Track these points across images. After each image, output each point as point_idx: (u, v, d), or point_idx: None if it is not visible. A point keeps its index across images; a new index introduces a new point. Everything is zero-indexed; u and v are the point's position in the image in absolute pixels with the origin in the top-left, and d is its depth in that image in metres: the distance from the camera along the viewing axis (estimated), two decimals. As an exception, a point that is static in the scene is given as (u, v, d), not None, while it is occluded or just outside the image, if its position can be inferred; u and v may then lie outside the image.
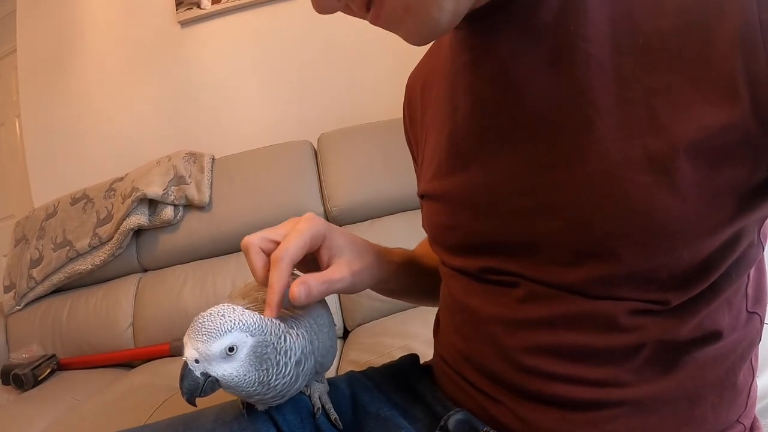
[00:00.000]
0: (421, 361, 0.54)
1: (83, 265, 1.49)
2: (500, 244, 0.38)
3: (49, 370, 1.35)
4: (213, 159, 1.59)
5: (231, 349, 0.35)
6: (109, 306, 1.45)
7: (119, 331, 1.43)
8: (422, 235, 0.52)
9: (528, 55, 0.34)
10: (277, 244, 0.40)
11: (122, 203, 1.47)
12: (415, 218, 0.53)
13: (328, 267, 0.43)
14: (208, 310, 0.36)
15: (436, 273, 0.50)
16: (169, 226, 1.50)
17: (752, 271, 0.36)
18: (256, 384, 0.36)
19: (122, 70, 1.83)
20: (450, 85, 0.41)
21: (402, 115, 0.56)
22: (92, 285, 1.54)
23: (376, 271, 0.46)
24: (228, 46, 1.79)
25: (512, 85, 0.35)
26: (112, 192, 1.54)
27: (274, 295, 0.38)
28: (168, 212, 1.46)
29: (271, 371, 0.37)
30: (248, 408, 0.44)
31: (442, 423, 0.41)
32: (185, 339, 0.35)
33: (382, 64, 1.69)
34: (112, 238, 1.47)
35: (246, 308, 0.37)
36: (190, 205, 1.50)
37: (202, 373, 0.35)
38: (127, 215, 1.44)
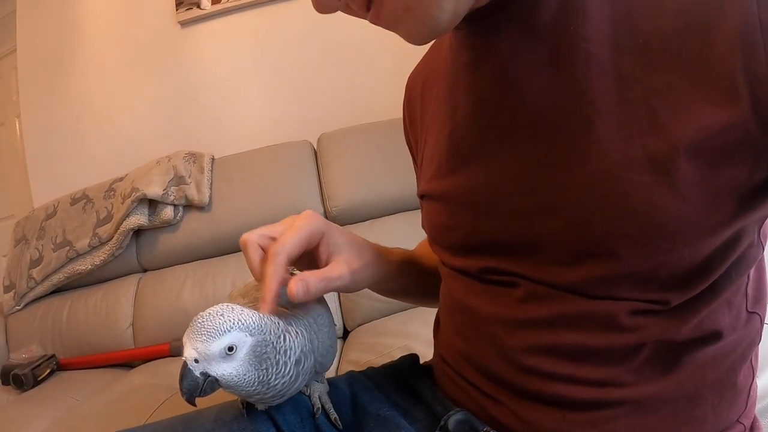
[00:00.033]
0: (421, 361, 0.54)
1: (83, 265, 1.49)
2: (500, 244, 0.38)
3: (48, 371, 1.35)
4: (213, 159, 1.59)
5: (230, 348, 0.35)
6: (108, 306, 1.45)
7: (119, 331, 1.43)
8: (422, 235, 0.52)
9: (528, 55, 0.34)
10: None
11: (122, 203, 1.47)
12: (415, 218, 0.53)
13: (326, 265, 0.43)
14: (207, 310, 0.36)
15: (436, 273, 0.50)
16: (169, 226, 1.50)
17: (752, 271, 0.36)
18: (255, 383, 0.36)
19: (122, 70, 1.83)
20: (450, 85, 0.41)
21: (402, 115, 0.56)
22: (92, 285, 1.54)
23: (375, 269, 0.46)
24: (228, 47, 1.79)
25: (512, 85, 0.35)
26: (112, 192, 1.54)
27: (268, 289, 0.38)
28: (168, 212, 1.46)
29: (270, 370, 0.37)
30: (248, 408, 0.44)
31: (442, 423, 0.41)
32: (184, 339, 0.35)
33: (382, 64, 1.69)
34: (111, 238, 1.47)
35: (245, 308, 0.37)
36: (189, 206, 1.50)
37: (202, 373, 0.35)
38: (126, 215, 1.44)
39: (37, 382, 1.31)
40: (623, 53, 0.30)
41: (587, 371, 0.34)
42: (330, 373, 0.53)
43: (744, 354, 0.37)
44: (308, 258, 0.44)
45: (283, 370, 0.37)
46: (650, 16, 0.29)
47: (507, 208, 0.36)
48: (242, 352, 0.35)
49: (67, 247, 1.49)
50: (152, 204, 1.47)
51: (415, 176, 0.56)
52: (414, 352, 0.55)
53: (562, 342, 0.35)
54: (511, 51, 0.35)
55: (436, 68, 0.46)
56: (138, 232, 1.51)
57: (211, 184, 1.52)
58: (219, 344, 0.34)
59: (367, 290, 0.50)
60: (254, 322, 0.36)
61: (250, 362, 0.36)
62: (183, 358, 0.35)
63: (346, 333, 1.34)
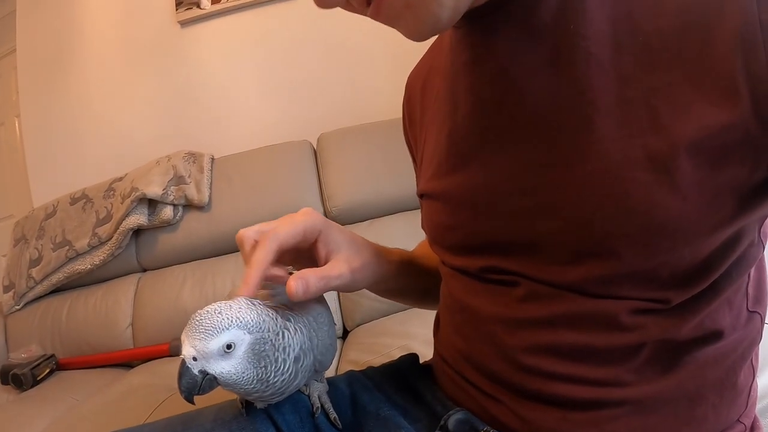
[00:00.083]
0: (421, 361, 0.54)
1: (82, 264, 1.49)
2: (500, 244, 0.38)
3: (48, 370, 1.35)
4: (212, 159, 1.59)
5: (229, 346, 0.35)
6: (108, 306, 1.45)
7: (118, 331, 1.42)
8: (422, 235, 0.52)
9: (527, 54, 0.34)
10: None
11: (122, 203, 1.47)
12: (415, 218, 0.53)
13: (325, 263, 0.42)
14: (206, 308, 0.36)
15: (435, 274, 0.50)
16: (169, 226, 1.50)
17: (753, 271, 0.36)
18: (254, 381, 0.36)
19: (122, 69, 1.83)
20: (450, 84, 0.41)
21: (401, 115, 0.56)
22: (91, 285, 1.54)
23: (374, 268, 0.46)
24: (228, 46, 1.79)
25: (512, 84, 0.35)
26: (112, 192, 1.54)
27: (251, 271, 0.37)
28: (167, 212, 1.46)
29: (269, 368, 0.36)
30: (247, 407, 0.44)
31: (442, 423, 0.41)
32: (183, 336, 0.35)
33: (382, 64, 1.69)
34: (111, 238, 1.47)
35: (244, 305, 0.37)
36: (189, 205, 1.50)
37: (200, 371, 0.35)
38: (126, 215, 1.44)
39: (36, 382, 1.31)
40: (623, 53, 0.30)
41: (588, 371, 0.34)
42: (329, 373, 0.53)
43: (744, 354, 0.37)
44: (306, 256, 0.44)
45: (282, 367, 0.37)
46: (650, 16, 0.29)
47: (507, 207, 0.36)
48: (241, 350, 0.35)
49: (67, 247, 1.49)
50: (152, 204, 1.47)
51: (414, 176, 0.56)
52: (414, 352, 0.55)
53: (562, 341, 0.35)
54: (510, 50, 0.35)
55: (436, 68, 0.46)
56: (137, 232, 1.51)
57: (210, 183, 1.52)
58: (217, 342, 0.34)
59: (366, 290, 0.50)
60: (253, 320, 0.36)
61: (249, 360, 0.36)
62: (181, 356, 0.35)
63: (345, 333, 1.34)
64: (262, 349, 0.36)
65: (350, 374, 0.52)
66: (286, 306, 0.42)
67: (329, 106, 1.74)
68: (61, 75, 1.86)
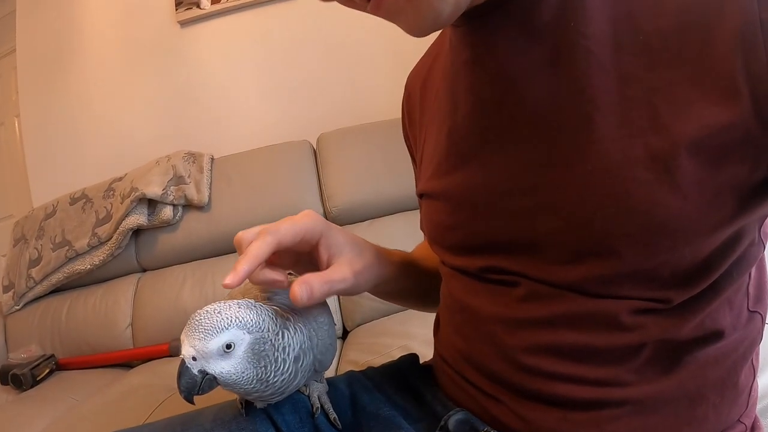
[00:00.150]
0: (421, 362, 0.54)
1: (82, 265, 1.49)
2: (500, 244, 0.37)
3: (47, 370, 1.35)
4: (212, 159, 1.59)
5: (228, 346, 0.35)
6: (108, 306, 1.45)
7: (118, 331, 1.42)
8: (422, 235, 0.52)
9: (527, 53, 0.34)
10: None
11: (121, 203, 1.47)
12: (415, 218, 0.53)
13: (328, 266, 0.42)
14: (205, 308, 0.36)
15: (435, 275, 0.49)
16: (168, 226, 1.49)
17: (753, 270, 0.36)
18: (254, 381, 0.36)
19: (122, 69, 1.83)
20: (450, 83, 0.41)
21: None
22: (91, 285, 1.54)
23: (377, 270, 0.46)
24: (227, 46, 1.79)
25: (512, 84, 0.35)
26: (112, 192, 1.54)
27: (243, 259, 0.35)
28: (167, 212, 1.46)
29: (269, 368, 0.36)
30: (247, 407, 0.44)
31: (442, 423, 0.41)
32: (182, 336, 0.35)
33: (382, 64, 1.69)
34: (111, 238, 1.47)
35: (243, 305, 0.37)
36: (189, 205, 1.50)
37: (200, 371, 0.35)
38: (126, 215, 1.44)
39: (36, 382, 1.30)
40: (624, 52, 0.30)
41: (588, 371, 0.34)
42: (329, 373, 0.53)
43: (745, 353, 0.36)
44: (306, 259, 0.44)
45: (282, 367, 0.37)
46: (650, 16, 0.29)
47: (507, 207, 0.36)
48: (240, 350, 0.35)
49: (66, 247, 1.49)
50: (151, 204, 1.47)
51: (414, 176, 0.56)
52: (414, 352, 0.55)
53: (562, 341, 0.35)
54: (510, 50, 0.35)
55: (436, 67, 0.46)
56: (137, 232, 1.51)
57: (210, 183, 1.51)
58: (217, 342, 0.34)
59: (366, 291, 0.50)
60: (252, 320, 0.36)
61: (249, 360, 0.35)
62: (181, 356, 0.35)
63: (345, 333, 1.34)
64: (262, 348, 0.36)
65: (350, 374, 0.52)
66: (286, 306, 0.42)
67: (329, 106, 1.74)
68: (61, 75, 1.86)
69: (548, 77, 0.33)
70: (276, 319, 0.38)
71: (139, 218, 1.44)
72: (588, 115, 0.31)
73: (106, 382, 1.25)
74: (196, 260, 1.50)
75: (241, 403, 0.44)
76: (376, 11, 0.31)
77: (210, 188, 1.50)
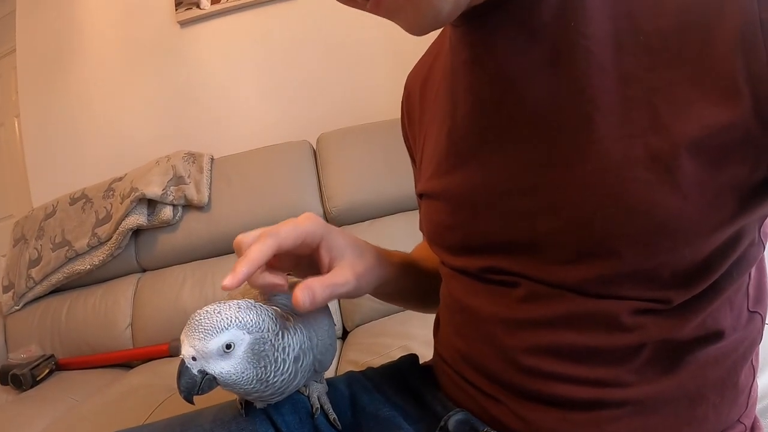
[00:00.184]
0: (421, 362, 0.54)
1: (82, 265, 1.49)
2: (500, 244, 0.37)
3: (47, 371, 1.35)
4: (212, 159, 1.59)
5: (228, 346, 0.34)
6: (107, 306, 1.45)
7: (118, 331, 1.42)
8: (422, 235, 0.52)
9: (527, 53, 0.34)
10: None
11: (121, 203, 1.47)
12: (415, 218, 0.53)
13: (329, 270, 0.42)
14: (205, 308, 0.35)
15: (434, 276, 0.49)
16: (168, 226, 1.49)
17: (753, 271, 0.36)
18: (254, 381, 0.36)
19: (121, 70, 1.83)
20: (450, 83, 0.41)
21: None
22: (91, 285, 1.54)
23: (378, 272, 0.46)
24: (227, 46, 1.79)
25: (511, 84, 0.35)
26: (111, 192, 1.54)
27: (242, 260, 0.35)
28: (167, 212, 1.46)
29: (269, 368, 0.36)
30: (247, 407, 0.44)
31: (442, 423, 0.41)
32: (182, 336, 0.35)
33: (382, 64, 1.69)
34: (110, 238, 1.47)
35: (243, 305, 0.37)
36: (189, 205, 1.50)
37: (200, 371, 0.35)
38: (126, 215, 1.44)
39: (35, 382, 1.30)
40: (624, 52, 0.30)
41: (588, 371, 0.34)
42: (329, 374, 0.53)
43: (745, 354, 0.36)
44: (307, 262, 0.43)
45: (281, 367, 0.37)
46: (650, 16, 0.29)
47: (507, 207, 0.36)
48: (240, 350, 0.35)
49: (66, 247, 1.49)
50: (151, 204, 1.47)
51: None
52: (413, 353, 0.55)
53: (562, 342, 0.35)
54: (509, 50, 0.35)
55: (436, 67, 0.46)
56: (137, 232, 1.51)
57: (210, 184, 1.51)
58: (216, 342, 0.34)
59: (365, 290, 0.50)
60: (252, 320, 0.36)
61: (248, 360, 0.35)
62: (180, 356, 0.35)
63: (345, 333, 1.34)
64: (262, 349, 0.36)
65: (350, 375, 0.52)
66: (286, 306, 0.41)
67: (329, 106, 1.74)
68: (61, 75, 1.86)
69: (548, 77, 0.33)
70: (276, 319, 0.38)
71: (138, 218, 1.44)
72: (588, 115, 0.31)
73: (106, 383, 1.25)
74: (195, 260, 1.50)
75: (241, 404, 0.44)
76: (375, 10, 0.31)
77: (210, 188, 1.50)
